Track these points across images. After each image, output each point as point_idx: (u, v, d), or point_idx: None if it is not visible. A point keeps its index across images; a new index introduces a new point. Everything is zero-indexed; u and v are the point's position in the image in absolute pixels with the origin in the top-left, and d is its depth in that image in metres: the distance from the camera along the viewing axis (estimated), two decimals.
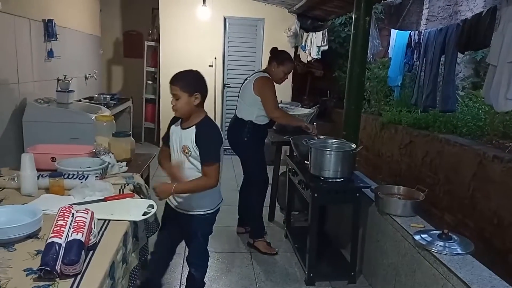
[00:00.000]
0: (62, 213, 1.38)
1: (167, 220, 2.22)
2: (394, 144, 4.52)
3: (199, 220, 2.11)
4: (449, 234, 2.02)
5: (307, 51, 6.07)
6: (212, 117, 3.82)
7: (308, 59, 6.18)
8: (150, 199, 2.00)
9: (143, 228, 1.94)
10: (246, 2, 6.07)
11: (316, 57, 5.86)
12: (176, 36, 6.09)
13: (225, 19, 6.10)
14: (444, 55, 3.68)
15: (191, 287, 2.28)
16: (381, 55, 5.88)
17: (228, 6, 6.07)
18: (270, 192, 3.78)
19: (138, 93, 6.63)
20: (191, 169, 2.01)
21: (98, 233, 1.48)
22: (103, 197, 1.81)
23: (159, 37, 6.12)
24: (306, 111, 4.16)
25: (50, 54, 4.16)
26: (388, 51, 4.95)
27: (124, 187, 2.03)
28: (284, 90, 6.16)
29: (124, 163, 2.36)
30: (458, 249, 1.93)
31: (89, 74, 5.57)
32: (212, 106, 6.17)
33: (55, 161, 2.15)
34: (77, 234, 1.28)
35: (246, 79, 3.26)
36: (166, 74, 6.11)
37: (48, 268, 1.16)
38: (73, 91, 4.26)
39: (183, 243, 2.33)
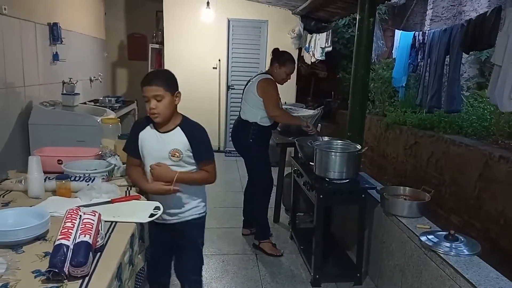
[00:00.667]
0: (69, 215, 1.39)
1: (157, 242, 2.03)
2: (399, 145, 4.51)
3: (198, 225, 2.03)
4: (456, 235, 2.01)
5: (311, 53, 6.07)
6: (216, 119, 3.85)
7: (312, 61, 6.19)
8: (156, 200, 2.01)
9: (148, 230, 1.95)
10: (249, 4, 6.09)
11: (320, 58, 5.86)
12: (180, 39, 6.11)
13: (228, 21, 6.12)
14: (448, 56, 3.67)
15: None
16: (385, 55, 5.87)
17: (232, 8, 6.09)
18: (275, 193, 3.78)
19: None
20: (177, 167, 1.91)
21: (105, 235, 1.48)
22: (109, 199, 1.81)
23: (163, 39, 6.14)
24: (310, 112, 4.16)
25: (55, 57, 4.19)
26: (392, 51, 4.94)
27: (130, 189, 2.03)
28: (288, 92, 6.18)
29: None
30: (464, 250, 1.92)
31: (94, 77, 5.60)
32: (216, 108, 6.19)
33: (61, 163, 2.16)
34: (84, 236, 1.29)
35: (249, 81, 3.27)
36: None
37: (56, 270, 1.17)
38: (79, 94, 4.29)
39: None
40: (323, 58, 5.82)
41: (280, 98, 3.23)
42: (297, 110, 4.32)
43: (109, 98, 5.34)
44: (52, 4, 4.23)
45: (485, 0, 5.39)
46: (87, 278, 1.21)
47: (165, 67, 6.17)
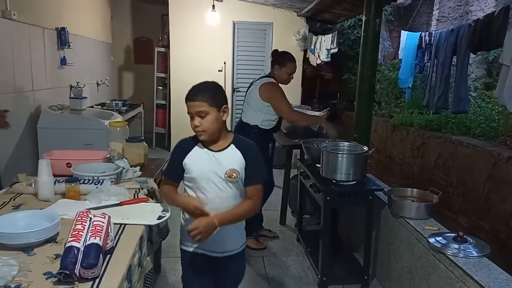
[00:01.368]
0: (80, 218, 1.40)
1: (194, 274, 1.75)
2: (406, 146, 4.49)
3: (241, 258, 1.80)
4: (464, 236, 2.00)
5: (316, 54, 6.07)
6: None
7: (318, 62, 6.18)
8: (163, 203, 2.02)
9: (156, 232, 1.96)
10: (255, 7, 6.11)
11: (325, 60, 5.86)
12: (186, 42, 6.14)
13: (234, 24, 6.14)
14: (455, 56, 3.65)
15: None
16: (392, 56, 5.85)
17: (237, 11, 6.11)
18: (282, 195, 3.78)
19: (149, 98, 6.69)
20: (235, 197, 1.67)
21: (115, 237, 1.50)
22: (118, 202, 1.84)
23: (169, 43, 6.18)
24: (316, 114, 4.16)
25: (63, 61, 4.24)
26: (398, 52, 4.93)
27: (139, 192, 2.05)
28: (294, 93, 6.18)
29: (138, 168, 2.38)
30: (473, 252, 1.90)
31: (101, 81, 5.65)
32: None
33: (70, 166, 2.18)
34: (94, 238, 1.31)
35: (251, 84, 3.27)
36: (176, 79, 6.18)
37: (67, 272, 1.19)
38: (86, 97, 4.32)
39: None
40: (329, 59, 5.81)
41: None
42: (303, 112, 4.32)
43: (116, 102, 5.38)
44: (60, 9, 4.28)
45: (492, 0, 5.36)
46: (97, 280, 1.23)
47: (171, 71, 6.22)
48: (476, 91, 4.93)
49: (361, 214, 2.78)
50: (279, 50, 3.31)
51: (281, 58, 3.19)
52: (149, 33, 7.07)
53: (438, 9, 6.03)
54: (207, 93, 1.60)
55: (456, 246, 1.95)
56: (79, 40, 4.76)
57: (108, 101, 5.45)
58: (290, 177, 3.78)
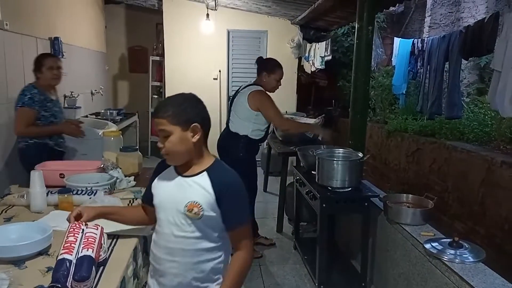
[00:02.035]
0: (72, 229, 1.38)
1: None
2: (401, 152, 4.50)
3: None
4: (460, 242, 2.00)
5: (310, 62, 6.10)
6: (217, 130, 3.87)
7: (312, 70, 6.22)
8: None
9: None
10: (249, 15, 6.14)
11: (319, 67, 5.89)
12: (181, 50, 6.15)
13: (228, 32, 6.17)
14: (448, 62, 3.68)
15: None
16: (385, 63, 5.90)
17: (232, 19, 6.14)
18: (278, 203, 3.77)
19: (144, 107, 6.68)
20: (195, 242, 1.35)
21: (108, 248, 1.48)
22: None
23: (164, 51, 6.19)
24: (311, 121, 4.17)
25: None
26: (392, 59, 4.96)
27: (133, 202, 2.03)
28: (289, 101, 6.20)
29: (132, 177, 2.37)
30: (469, 257, 1.90)
31: (95, 90, 5.63)
32: (217, 119, 6.20)
33: (63, 177, 2.17)
34: (87, 250, 1.29)
35: (237, 92, 3.22)
36: (171, 88, 6.17)
37: (59, 285, 1.17)
38: (80, 107, 4.31)
39: None
40: (323, 67, 5.84)
41: None
42: (298, 119, 4.33)
43: (111, 111, 5.37)
44: (53, 19, 4.28)
45: (482, 6, 5.43)
46: None
47: (166, 79, 6.21)
48: (469, 96, 4.97)
49: (358, 220, 2.77)
50: (264, 58, 3.33)
51: (269, 65, 3.17)
52: (144, 42, 7.08)
53: (430, 16, 6.09)
54: (170, 109, 1.34)
55: (452, 251, 1.95)
56: (73, 50, 4.75)
57: (102, 111, 5.44)
58: (286, 184, 3.78)
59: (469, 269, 1.82)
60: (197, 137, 1.35)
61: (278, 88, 3.24)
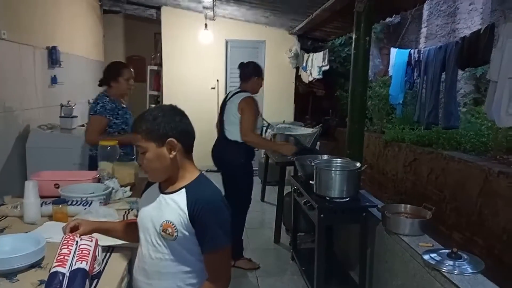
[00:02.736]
0: (66, 241, 1.36)
1: None
2: (398, 162, 4.50)
3: None
4: (459, 252, 1.98)
5: (308, 71, 6.13)
6: (214, 139, 3.87)
7: (310, 79, 6.24)
8: None
9: None
10: (247, 25, 6.18)
11: (317, 77, 5.91)
12: (179, 60, 6.17)
13: (226, 42, 6.20)
14: (444, 72, 3.70)
15: None
16: (382, 73, 5.92)
17: (230, 29, 6.18)
18: (276, 213, 3.75)
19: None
20: (170, 265, 1.29)
21: (102, 261, 1.45)
22: None
23: (162, 61, 6.20)
24: (309, 130, 4.16)
25: (53, 80, 4.21)
26: (389, 69, 4.99)
27: (129, 213, 2.01)
28: (286, 110, 6.22)
29: (128, 188, 2.34)
30: (468, 268, 1.88)
31: (93, 99, 5.61)
32: (214, 129, 6.19)
33: (58, 187, 2.14)
34: (81, 263, 1.26)
35: (226, 99, 3.25)
36: (169, 97, 6.18)
37: None
38: (76, 116, 4.29)
39: None
40: (320, 76, 5.87)
41: (261, 114, 3.22)
42: (295, 128, 4.33)
43: None
44: (51, 28, 4.28)
45: (478, 18, 5.48)
46: None
47: (164, 88, 6.22)
48: (466, 106, 4.99)
49: (356, 231, 2.75)
50: (244, 62, 3.36)
51: (258, 69, 3.27)
52: (142, 51, 7.10)
53: (426, 27, 6.15)
54: (144, 124, 1.27)
55: (451, 262, 1.93)
56: (70, 59, 4.75)
57: None
58: (284, 194, 3.76)
59: (468, 280, 1.80)
60: (174, 152, 1.27)
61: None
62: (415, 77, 4.36)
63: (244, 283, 3.01)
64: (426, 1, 4.01)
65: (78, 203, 1.96)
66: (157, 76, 6.59)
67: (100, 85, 3.05)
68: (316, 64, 5.82)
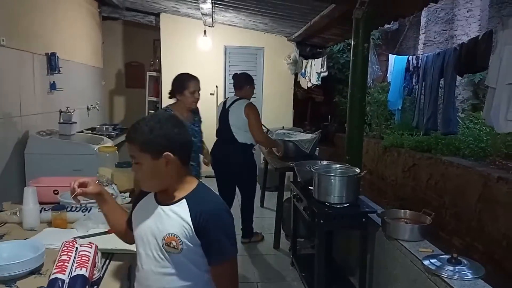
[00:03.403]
0: (65, 248, 1.36)
1: None
2: (398, 168, 4.50)
3: None
4: (459, 258, 1.98)
5: (307, 78, 6.15)
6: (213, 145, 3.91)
7: (308, 85, 6.26)
8: None
9: None
10: (246, 32, 6.20)
11: (316, 83, 5.93)
12: (177, 66, 6.17)
13: (225, 49, 6.22)
14: (443, 78, 3.72)
15: None
16: (381, 79, 5.95)
17: (229, 36, 6.20)
18: (275, 219, 3.74)
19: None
20: (175, 279, 1.23)
21: (102, 267, 1.45)
22: (106, 230, 1.78)
23: (161, 67, 6.22)
24: (308, 136, 4.17)
25: (52, 86, 4.21)
26: (387, 75, 5.01)
27: None
28: (285, 116, 6.22)
29: (127, 194, 2.34)
30: (468, 274, 1.88)
31: (92, 105, 5.62)
32: (213, 134, 6.19)
33: (57, 193, 2.13)
34: (80, 269, 1.26)
35: (227, 106, 3.56)
36: (167, 103, 6.16)
37: None
38: (75, 122, 4.28)
39: None
40: (319, 83, 5.89)
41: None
42: (295, 134, 4.34)
43: (106, 126, 5.35)
44: (50, 34, 4.29)
45: (475, 24, 5.52)
46: None
47: (163, 95, 6.22)
48: (464, 112, 5.01)
49: (356, 237, 2.74)
50: (237, 73, 3.74)
51: (250, 79, 3.63)
52: (141, 57, 7.11)
53: (424, 33, 6.19)
54: (140, 134, 1.20)
55: (451, 268, 1.93)
56: (69, 65, 4.76)
57: (98, 126, 5.42)
58: (283, 200, 3.75)
59: (468, 285, 1.79)
60: (170, 165, 1.20)
61: None
62: (413, 83, 4.38)
63: None
64: (424, 8, 4.04)
65: (77, 209, 1.95)
66: (156, 82, 6.60)
67: (170, 97, 2.97)
68: (315, 70, 5.84)
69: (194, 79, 2.90)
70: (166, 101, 6.12)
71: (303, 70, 6.23)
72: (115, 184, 2.31)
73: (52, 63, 4.14)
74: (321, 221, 2.56)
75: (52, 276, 1.22)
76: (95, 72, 6.02)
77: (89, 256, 1.33)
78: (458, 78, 3.77)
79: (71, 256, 1.32)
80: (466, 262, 1.97)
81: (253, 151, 3.70)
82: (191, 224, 1.18)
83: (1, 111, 3.29)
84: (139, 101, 6.85)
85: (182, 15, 6.03)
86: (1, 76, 3.25)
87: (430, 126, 3.89)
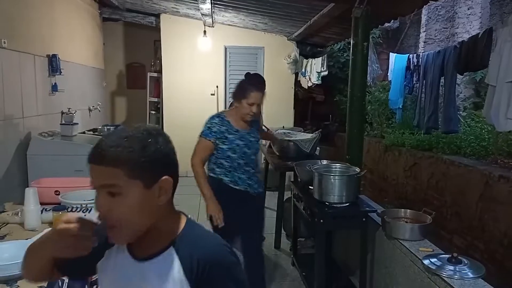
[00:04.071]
0: None
1: None
2: (399, 167, 4.50)
3: None
4: (459, 257, 1.98)
5: (307, 77, 6.15)
6: None
7: (309, 85, 6.26)
8: None
9: None
10: (246, 32, 6.21)
11: (316, 82, 5.93)
12: (178, 67, 6.20)
13: (226, 49, 6.23)
14: (443, 77, 3.71)
15: None
16: (381, 78, 5.94)
17: (229, 36, 6.21)
18: (276, 218, 3.75)
19: (142, 123, 6.68)
20: None
21: None
22: None
23: (162, 68, 6.23)
24: (308, 136, 4.17)
25: (54, 88, 4.24)
26: (388, 74, 5.00)
27: None
28: (286, 116, 6.23)
29: None
30: (469, 273, 1.88)
31: (93, 106, 5.64)
32: None
33: (59, 194, 2.15)
34: None
35: None
36: (169, 104, 6.21)
37: None
38: (77, 123, 4.30)
39: None
40: (320, 82, 5.88)
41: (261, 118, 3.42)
42: (295, 134, 4.34)
43: (108, 127, 5.36)
44: (51, 36, 4.31)
45: (477, 22, 5.51)
46: None
47: (164, 95, 6.24)
48: (466, 110, 5.00)
49: (356, 236, 2.75)
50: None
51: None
52: (142, 58, 7.14)
53: (425, 31, 6.17)
54: (126, 153, 0.84)
55: (451, 267, 1.93)
56: (71, 67, 4.78)
57: (99, 127, 5.43)
58: (284, 199, 3.76)
59: (468, 285, 1.79)
60: (165, 198, 0.88)
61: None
62: (414, 82, 4.37)
63: None
64: (424, 6, 4.03)
65: (78, 210, 1.97)
66: (157, 83, 6.62)
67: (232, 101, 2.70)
68: (315, 69, 5.84)
69: (258, 90, 2.48)
70: (168, 101, 6.21)
71: (303, 70, 6.23)
72: None
73: (53, 64, 4.16)
74: (321, 220, 2.56)
75: None
76: (96, 73, 6.04)
77: None
78: (459, 76, 3.76)
79: None
80: (466, 262, 1.97)
81: None
82: (184, 279, 0.85)
83: (3, 113, 3.31)
84: (140, 101, 6.87)
85: (182, 15, 6.04)
86: (2, 78, 3.27)
87: (431, 125, 3.88)
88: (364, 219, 2.62)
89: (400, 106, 4.77)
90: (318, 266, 2.59)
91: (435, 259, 2.02)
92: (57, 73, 4.24)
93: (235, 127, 2.51)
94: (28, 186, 2.00)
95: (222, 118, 2.52)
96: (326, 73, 5.72)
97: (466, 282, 1.82)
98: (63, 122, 4.27)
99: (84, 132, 4.91)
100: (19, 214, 1.93)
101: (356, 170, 2.72)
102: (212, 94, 6.25)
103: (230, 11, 5.10)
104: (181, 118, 6.05)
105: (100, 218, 0.85)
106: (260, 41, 6.25)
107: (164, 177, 0.87)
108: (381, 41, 6.68)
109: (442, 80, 3.77)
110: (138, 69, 7.19)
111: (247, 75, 2.59)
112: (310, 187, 2.83)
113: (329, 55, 6.17)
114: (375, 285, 2.73)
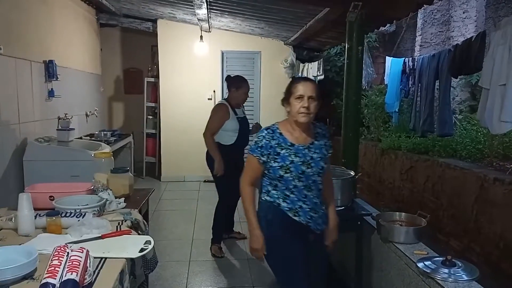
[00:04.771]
0: (57, 253, 1.37)
1: None
2: (395, 170, 4.50)
3: None
4: (453, 260, 1.98)
5: None
6: None
7: None
8: (148, 234, 1.98)
9: (141, 265, 1.91)
10: (242, 37, 6.24)
11: None
12: (175, 71, 6.22)
13: (222, 53, 6.25)
14: (438, 80, 3.73)
15: None
16: (378, 82, 5.96)
17: (225, 41, 6.24)
18: None
19: (139, 128, 6.70)
20: None
21: (94, 271, 1.46)
22: (100, 235, 1.80)
23: (159, 73, 6.25)
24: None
25: (50, 93, 4.24)
26: (384, 78, 5.03)
27: (122, 224, 2.01)
28: (283, 119, 6.22)
29: (123, 199, 2.35)
30: (463, 276, 1.88)
31: (90, 112, 5.65)
32: None
33: (53, 199, 2.15)
34: (71, 274, 1.27)
35: None
36: (166, 109, 6.21)
37: None
38: (73, 129, 4.31)
39: None
40: None
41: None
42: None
43: (105, 132, 5.37)
44: (48, 42, 4.32)
45: (472, 25, 5.54)
46: None
47: (161, 100, 6.25)
48: (461, 113, 5.01)
49: (351, 239, 2.75)
50: (232, 76, 3.83)
51: (236, 80, 3.72)
52: (139, 63, 7.15)
53: (421, 35, 6.20)
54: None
55: (446, 270, 1.93)
56: (67, 72, 4.79)
57: (96, 132, 5.44)
58: None
59: None
60: None
61: (246, 99, 3.79)
62: (410, 85, 4.39)
63: None
64: (419, 10, 4.06)
65: (71, 215, 1.96)
66: (154, 87, 6.63)
67: (282, 104, 2.24)
68: (311, 73, 5.86)
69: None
70: (165, 106, 6.22)
71: (300, 74, 6.25)
72: (111, 190, 2.32)
73: (50, 70, 4.17)
74: None
75: (43, 281, 1.23)
76: (93, 78, 6.06)
77: (80, 261, 1.34)
78: (455, 79, 3.78)
79: (62, 260, 1.33)
80: (460, 264, 1.97)
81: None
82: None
83: (0, 119, 3.32)
84: (137, 106, 6.88)
85: (179, 21, 6.07)
86: None
87: (426, 128, 3.90)
88: (359, 222, 2.62)
89: (397, 110, 4.79)
90: None
91: (430, 262, 2.02)
92: (54, 79, 4.25)
93: (289, 140, 2.07)
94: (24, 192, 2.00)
95: (273, 130, 2.11)
96: (322, 77, 5.74)
97: (460, 285, 1.82)
98: (60, 127, 4.28)
99: (81, 138, 4.91)
100: (13, 219, 1.92)
101: (351, 173, 2.73)
102: (209, 99, 6.26)
103: (227, 16, 5.12)
104: (178, 123, 6.05)
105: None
106: (257, 45, 6.28)
107: None
108: (377, 45, 6.71)
109: (437, 83, 3.78)
110: (135, 74, 7.20)
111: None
112: None
113: (326, 59, 6.20)
114: None
